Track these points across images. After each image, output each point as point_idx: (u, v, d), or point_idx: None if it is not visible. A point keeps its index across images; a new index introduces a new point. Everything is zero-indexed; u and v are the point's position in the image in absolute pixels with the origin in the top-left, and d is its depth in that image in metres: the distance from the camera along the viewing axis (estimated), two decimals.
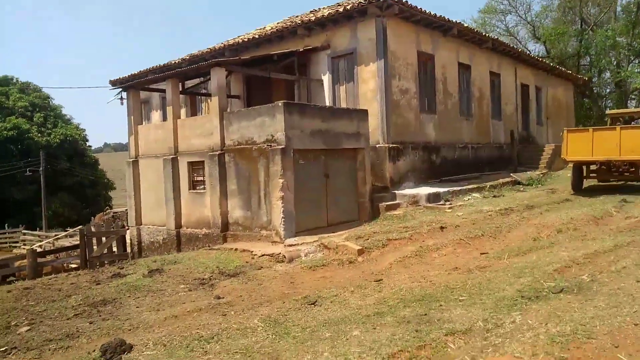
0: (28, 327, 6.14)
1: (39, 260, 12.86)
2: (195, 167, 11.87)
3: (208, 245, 11.00)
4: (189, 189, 11.91)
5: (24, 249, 21.33)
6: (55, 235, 25.09)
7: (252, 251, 9.45)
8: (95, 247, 12.68)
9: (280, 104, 10.20)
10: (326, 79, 14.38)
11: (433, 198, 12.37)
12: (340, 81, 14.16)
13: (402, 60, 13.78)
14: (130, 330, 5.83)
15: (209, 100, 15.48)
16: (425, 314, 5.17)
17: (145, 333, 5.65)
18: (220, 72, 11.84)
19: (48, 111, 41.50)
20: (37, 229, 32.13)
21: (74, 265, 13.02)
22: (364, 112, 12.33)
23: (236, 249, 9.82)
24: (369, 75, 13.38)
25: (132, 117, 13.34)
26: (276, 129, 10.16)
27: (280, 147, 10.06)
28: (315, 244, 9.33)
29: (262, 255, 9.15)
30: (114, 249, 12.87)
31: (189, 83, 15.36)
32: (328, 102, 14.19)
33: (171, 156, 12.15)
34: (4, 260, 16.36)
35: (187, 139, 11.96)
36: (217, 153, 11.19)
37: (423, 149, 14.61)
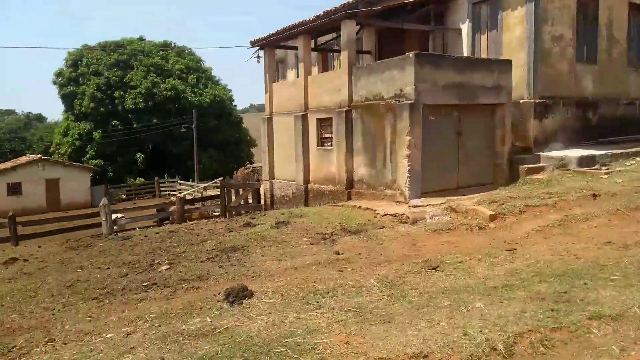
0: (167, 266, 6.77)
1: (186, 207, 14.28)
2: (324, 124, 11.91)
3: (333, 202, 11.08)
4: (317, 146, 12.03)
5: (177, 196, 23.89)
6: (204, 186, 27.82)
7: (375, 210, 9.24)
8: (233, 197, 13.63)
9: (410, 55, 9.57)
10: (465, 28, 13.15)
11: (586, 162, 10.78)
12: (482, 29, 12.84)
13: (557, 2, 11.96)
14: (253, 277, 6.07)
15: (339, 57, 15.32)
16: (565, 292, 4.46)
17: (266, 281, 5.84)
18: (351, 25, 11.49)
19: (200, 73, 45.36)
20: (190, 180, 35.97)
21: (216, 213, 14.15)
22: (507, 63, 11.04)
23: (359, 207, 9.70)
24: (515, 21, 11.89)
25: (267, 75, 13.78)
26: (405, 83, 9.60)
27: (409, 102, 9.50)
28: (442, 206, 8.78)
29: (385, 214, 8.89)
30: (250, 200, 13.70)
31: (321, 40, 15.30)
32: (466, 54, 13.02)
33: (301, 113, 12.34)
34: (162, 206, 18.55)
35: (317, 95, 12.00)
36: (345, 109, 11.04)
37: (577, 105, 12.73)
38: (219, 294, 5.41)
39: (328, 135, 11.77)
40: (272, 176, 13.42)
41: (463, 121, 10.47)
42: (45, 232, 11.25)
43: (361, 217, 9.02)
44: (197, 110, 38.73)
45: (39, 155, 34.45)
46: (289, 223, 8.78)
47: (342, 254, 6.82)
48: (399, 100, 9.79)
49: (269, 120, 13.63)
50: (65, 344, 4.60)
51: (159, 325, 4.76)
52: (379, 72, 10.33)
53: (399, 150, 9.72)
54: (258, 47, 15.40)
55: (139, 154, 40.94)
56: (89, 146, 40.27)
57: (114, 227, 11.75)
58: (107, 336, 4.67)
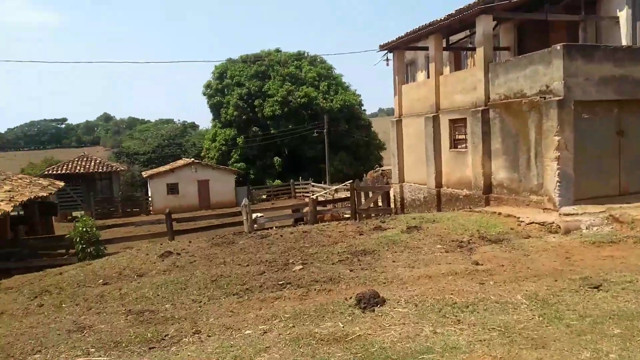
0: (301, 266, 6.90)
1: (319, 208, 14.62)
2: (457, 124, 11.28)
3: (469, 207, 10.41)
4: (450, 148, 11.44)
5: (310, 197, 24.71)
6: (335, 188, 28.46)
7: (519, 217, 8.44)
8: (363, 200, 13.61)
9: (558, 47, 8.58)
10: (623, 15, 11.44)
11: None
12: None
13: None
14: (384, 283, 5.89)
15: (474, 55, 14.44)
16: None
17: (398, 289, 5.61)
18: (487, 20, 10.72)
19: (330, 80, 46.65)
20: (321, 182, 37.09)
21: (347, 215, 14.27)
22: None
23: (499, 213, 8.95)
24: None
25: (396, 77, 13.54)
26: (552, 78, 8.62)
27: (557, 98, 8.51)
28: (601, 215, 7.68)
29: (531, 222, 8.06)
30: (379, 203, 13.56)
31: (454, 39, 14.59)
32: (625, 44, 11.33)
33: (432, 114, 11.85)
34: (297, 206, 19.30)
35: (449, 95, 11.41)
36: (481, 109, 10.31)
37: None
38: (351, 298, 5.33)
39: (461, 136, 11.12)
40: (402, 179, 13.13)
41: (625, 119, 9.10)
42: (196, 228, 12.39)
43: (502, 225, 8.30)
44: (328, 115, 39.84)
45: (192, 159, 38.39)
46: (420, 228, 8.43)
47: (482, 264, 6.30)
48: (544, 97, 8.83)
49: (398, 122, 13.36)
50: (209, 336, 4.89)
51: (293, 326, 4.82)
52: (520, 68, 9.45)
53: (545, 152, 8.76)
54: (387, 51, 15.23)
55: (277, 157, 43.44)
56: (233, 151, 43.86)
57: (254, 226, 12.48)
58: (246, 332, 4.86)
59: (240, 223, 13.05)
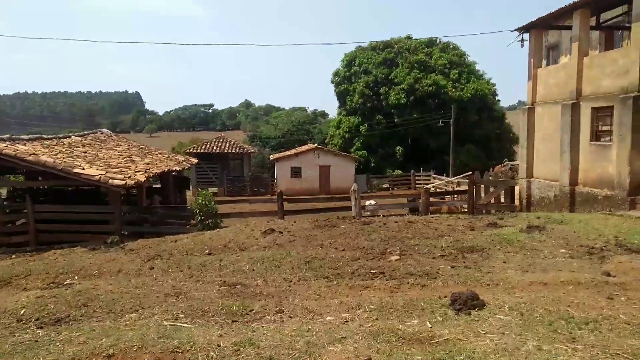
0: (398, 257, 6.46)
1: (433, 200, 13.86)
2: (601, 113, 9.67)
3: (609, 210, 8.90)
4: (590, 141, 9.87)
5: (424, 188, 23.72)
6: (457, 180, 26.97)
7: None
8: (483, 195, 12.54)
9: None
10: None
11: None
12: None
13: None
14: (488, 285, 5.20)
15: (630, 36, 12.29)
16: None
17: (503, 293, 4.91)
18: None
19: (462, 68, 44.22)
20: (444, 174, 35.48)
21: (465, 209, 13.33)
22: None
23: None
24: None
25: (532, 60, 12.08)
26: None
27: None
28: None
29: None
30: (502, 199, 12.37)
31: (606, 17, 12.55)
32: None
33: (571, 101, 10.32)
34: (413, 196, 18.60)
35: (594, 80, 9.81)
36: (632, 95, 8.68)
37: None
38: (445, 297, 4.78)
39: (606, 127, 9.51)
40: (529, 174, 11.75)
41: None
42: (305, 210, 12.52)
43: None
44: (456, 105, 37.88)
45: (316, 145, 39.39)
46: (544, 229, 7.38)
47: (615, 276, 5.25)
48: None
49: (530, 111, 11.92)
50: (290, 317, 4.74)
51: (376, 319, 4.45)
52: None
53: None
54: (523, 31, 13.68)
55: (399, 147, 42.68)
56: (356, 138, 44.09)
57: (362, 212, 12.24)
58: (327, 318, 4.62)
59: (351, 208, 12.90)
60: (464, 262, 6.08)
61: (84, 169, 11.45)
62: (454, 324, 4.18)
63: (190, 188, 36.66)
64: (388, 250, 6.84)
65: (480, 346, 3.70)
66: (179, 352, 3.91)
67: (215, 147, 37.94)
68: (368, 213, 14.67)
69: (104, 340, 4.22)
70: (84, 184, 12.20)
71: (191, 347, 3.96)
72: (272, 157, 39.57)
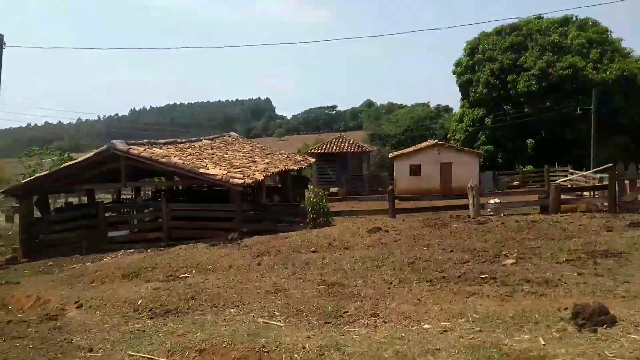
0: (514, 261, 5.76)
1: (564, 197, 12.34)
2: None
3: None
4: None
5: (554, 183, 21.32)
6: (599, 175, 23.86)
7: None
8: (628, 191, 10.81)
9: None
10: None
11: None
12: None
13: None
14: (623, 297, 4.36)
15: None
16: None
17: None
18: None
19: (605, 46, 39.05)
20: (583, 169, 31.65)
21: (606, 208, 11.69)
22: None
23: None
24: None
25: None
26: None
27: None
28: None
29: None
30: None
31: None
32: None
33: None
34: (543, 194, 16.87)
35: None
36: None
37: None
38: (566, 309, 4.10)
39: None
40: None
41: None
42: (419, 208, 11.98)
43: None
44: (597, 89, 33.57)
45: (436, 141, 37.92)
46: None
47: None
48: None
49: None
50: (385, 322, 4.46)
51: (480, 330, 3.97)
52: None
53: None
54: None
55: (530, 139, 39.18)
56: (480, 132, 41.49)
57: (480, 211, 11.32)
58: (424, 326, 4.25)
59: (468, 207, 12.03)
60: (595, 269, 5.20)
61: (208, 169, 12.28)
62: (574, 343, 3.54)
63: (309, 187, 37.91)
64: (503, 253, 6.15)
65: None
66: (265, 352, 3.87)
67: (334, 147, 38.53)
68: (489, 212, 13.63)
69: (199, 334, 4.36)
70: (212, 184, 13.12)
71: (277, 347, 3.90)
72: (390, 155, 39.01)
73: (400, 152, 38.56)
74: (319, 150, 38.97)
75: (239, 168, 13.67)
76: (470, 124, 42.28)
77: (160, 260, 8.40)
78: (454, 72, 45.61)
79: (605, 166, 16.49)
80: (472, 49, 44.11)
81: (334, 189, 38.80)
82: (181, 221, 13.04)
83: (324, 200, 11.74)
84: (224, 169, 12.52)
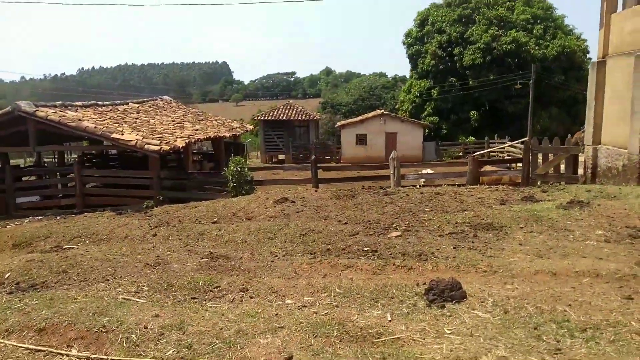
0: (400, 234, 5.75)
1: (491, 168, 12.64)
2: None
3: None
4: None
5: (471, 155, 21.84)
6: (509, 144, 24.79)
7: None
8: (541, 164, 11.15)
9: None
10: None
11: None
12: None
13: None
14: (484, 272, 4.39)
15: None
16: None
17: (496, 283, 4.10)
18: None
19: (548, 22, 40.00)
20: (507, 139, 32.74)
21: (519, 180, 12.05)
22: None
23: None
24: None
25: (604, 4, 10.19)
26: None
27: None
28: None
29: None
30: (562, 169, 10.91)
31: None
32: None
33: None
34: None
35: None
36: None
37: None
38: (425, 284, 4.08)
39: None
40: (597, 140, 10.13)
41: None
42: (340, 178, 11.91)
43: None
44: (538, 64, 34.50)
45: (382, 111, 38.07)
46: (588, 204, 6.23)
47: None
48: None
49: (600, 65, 10.15)
50: (251, 297, 4.31)
51: (336, 306, 3.89)
52: None
53: None
54: None
55: (473, 112, 40.07)
56: (427, 104, 42.01)
57: (408, 182, 11.40)
58: (286, 301, 4.13)
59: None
60: (473, 242, 5.24)
61: (122, 134, 11.66)
62: (418, 319, 3.51)
63: (246, 153, 37.30)
64: (394, 225, 6.13)
65: (431, 351, 3.04)
66: (104, 332, 3.63)
67: (282, 115, 37.99)
68: (422, 182, 13.79)
69: (44, 312, 4.06)
70: (125, 150, 12.51)
71: (117, 327, 3.66)
72: (338, 124, 38.92)
73: (347, 121, 38.54)
74: (267, 118, 38.34)
75: (161, 134, 13.08)
76: (417, 95, 42.69)
77: (57, 228, 7.93)
78: (404, 43, 45.61)
79: (523, 139, 16.99)
80: (422, 20, 44.13)
81: (282, 157, 38.50)
82: (96, 188, 12.44)
83: (246, 169, 11.46)
84: (142, 135, 11.92)
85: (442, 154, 35.40)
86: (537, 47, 37.39)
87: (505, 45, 37.21)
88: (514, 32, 37.85)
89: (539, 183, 10.65)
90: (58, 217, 10.70)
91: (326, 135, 49.04)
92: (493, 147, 30.14)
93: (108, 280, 5.04)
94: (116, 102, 16.78)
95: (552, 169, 10.87)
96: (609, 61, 9.99)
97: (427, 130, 37.11)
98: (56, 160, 18.99)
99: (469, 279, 4.22)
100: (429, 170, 16.22)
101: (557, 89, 36.99)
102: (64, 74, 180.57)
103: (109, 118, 13.56)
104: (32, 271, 5.44)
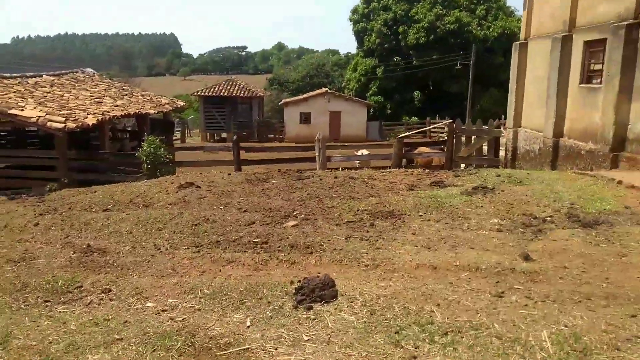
0: (296, 222, 5.40)
1: (428, 150, 12.55)
2: (593, 48, 7.96)
3: (590, 167, 7.46)
4: (580, 83, 8.22)
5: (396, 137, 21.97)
6: (429, 128, 25.20)
7: None
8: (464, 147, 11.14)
9: None
10: None
11: None
12: None
13: None
14: (366, 266, 4.12)
15: None
16: None
17: (374, 279, 3.84)
18: None
19: (491, 3, 40.62)
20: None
21: (436, 163, 12.07)
22: None
23: (619, 182, 6.08)
24: None
25: None
26: None
27: None
28: None
29: None
30: (485, 151, 10.96)
31: None
32: None
33: (562, 34, 8.57)
34: (410, 147, 17.24)
35: (589, 6, 8.01)
36: (625, 24, 6.95)
37: None
38: (299, 281, 3.74)
39: (598, 66, 7.83)
40: (517, 124, 10.20)
41: None
42: (262, 160, 11.47)
43: (614, 200, 5.55)
44: (480, 45, 35.04)
45: (326, 89, 37.63)
46: (492, 190, 6.13)
47: (534, 260, 4.06)
48: None
49: (522, 47, 10.15)
50: (110, 300, 3.84)
51: (198, 309, 3.51)
52: None
53: None
54: None
55: (417, 92, 40.39)
56: (372, 83, 41.91)
57: (326, 164, 11.09)
58: (147, 305, 3.70)
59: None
60: (367, 232, 4.98)
61: (22, 110, 10.63)
62: (279, 324, 3.18)
63: (184, 130, 36.04)
64: (294, 213, 5.78)
65: None
66: None
67: (224, 91, 36.75)
68: (357, 164, 13.57)
69: None
70: (24, 126, 11.48)
71: None
72: (282, 102, 38.18)
73: (291, 99, 37.87)
74: (207, 93, 37.01)
75: (72, 110, 12.07)
76: (363, 73, 42.46)
77: None
78: (350, 20, 45.07)
79: (446, 121, 17.12)
80: None
81: (224, 135, 37.41)
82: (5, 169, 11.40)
83: (161, 150, 10.77)
84: (45, 111, 10.91)
85: (387, 134, 35.54)
86: (479, 28, 37.94)
87: (449, 25, 37.49)
88: (457, 11, 38.17)
89: (462, 166, 10.65)
90: None
91: (272, 113, 48.14)
92: (424, 128, 30.48)
93: None
94: (28, 74, 15.40)
95: (475, 151, 10.89)
96: (531, 44, 9.99)
97: (371, 110, 37.12)
98: None
99: (349, 274, 3.94)
100: (364, 152, 16.07)
101: (497, 70, 37.80)
102: None
103: (14, 92, 12.37)
104: None
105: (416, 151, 12.35)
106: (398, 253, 4.28)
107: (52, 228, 6.10)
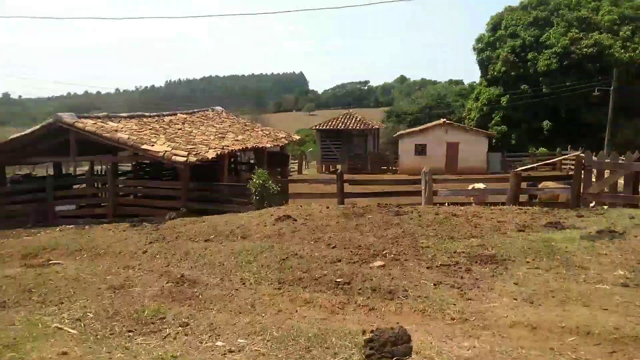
0: (383, 263, 5.04)
1: (540, 185, 11.37)
2: None
3: None
4: None
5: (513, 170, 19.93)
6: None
7: None
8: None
9: None
10: None
11: None
12: None
13: None
14: (452, 320, 3.63)
15: None
16: None
17: (457, 335, 3.32)
18: None
19: (638, 23, 36.31)
20: (593, 153, 29.80)
21: (563, 200, 10.74)
22: None
23: None
24: None
25: None
26: None
27: None
28: None
29: None
30: (620, 187, 9.48)
31: None
32: None
33: None
34: (533, 181, 15.80)
35: None
36: None
37: None
38: (371, 332, 3.39)
39: None
40: None
41: None
42: (367, 192, 11.18)
43: None
44: (623, 69, 31.33)
45: (444, 120, 36.44)
46: (621, 235, 5.15)
47: None
48: None
49: None
50: (186, 335, 3.87)
51: (263, 355, 3.36)
52: None
53: None
54: None
55: (546, 121, 37.21)
56: (495, 112, 39.69)
57: (433, 198, 10.45)
58: (217, 343, 3.65)
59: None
60: (461, 278, 4.43)
61: (153, 145, 11.79)
62: None
63: (304, 162, 37.13)
64: (383, 252, 5.42)
65: None
66: None
67: (340, 124, 37.59)
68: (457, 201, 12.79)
69: None
70: (154, 161, 12.66)
71: None
72: (397, 133, 37.84)
73: (406, 131, 37.37)
74: (324, 127, 38.14)
75: (196, 145, 13.12)
76: (485, 102, 40.49)
77: (66, 240, 7.97)
78: (474, 49, 43.56)
79: (577, 153, 15.22)
80: (495, 25, 41.96)
81: (338, 167, 38.06)
82: (127, 197, 12.67)
83: (269, 182, 11.12)
84: (172, 146, 11.98)
85: (513, 165, 33.11)
86: (622, 51, 34.02)
87: (586, 49, 34.18)
88: (596, 34, 34.73)
89: (592, 204, 9.32)
90: (87, 227, 10.95)
91: (388, 145, 47.98)
92: (552, 160, 27.70)
93: (62, 303, 4.81)
94: (164, 113, 17.20)
95: (608, 188, 9.47)
96: None
97: (493, 141, 34.98)
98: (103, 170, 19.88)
99: (430, 328, 3.48)
100: (480, 185, 15.01)
101: None
102: (153, 85, 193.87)
103: (150, 129, 13.83)
104: (2, 288, 5.37)
105: (540, 185, 11.14)
106: (492, 306, 3.70)
107: (157, 256, 6.48)
